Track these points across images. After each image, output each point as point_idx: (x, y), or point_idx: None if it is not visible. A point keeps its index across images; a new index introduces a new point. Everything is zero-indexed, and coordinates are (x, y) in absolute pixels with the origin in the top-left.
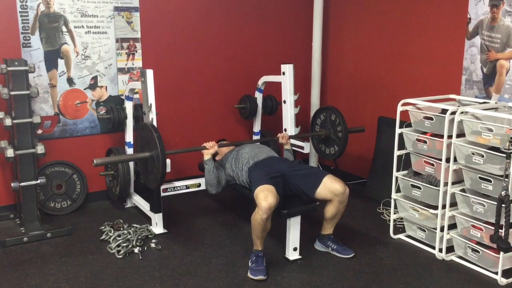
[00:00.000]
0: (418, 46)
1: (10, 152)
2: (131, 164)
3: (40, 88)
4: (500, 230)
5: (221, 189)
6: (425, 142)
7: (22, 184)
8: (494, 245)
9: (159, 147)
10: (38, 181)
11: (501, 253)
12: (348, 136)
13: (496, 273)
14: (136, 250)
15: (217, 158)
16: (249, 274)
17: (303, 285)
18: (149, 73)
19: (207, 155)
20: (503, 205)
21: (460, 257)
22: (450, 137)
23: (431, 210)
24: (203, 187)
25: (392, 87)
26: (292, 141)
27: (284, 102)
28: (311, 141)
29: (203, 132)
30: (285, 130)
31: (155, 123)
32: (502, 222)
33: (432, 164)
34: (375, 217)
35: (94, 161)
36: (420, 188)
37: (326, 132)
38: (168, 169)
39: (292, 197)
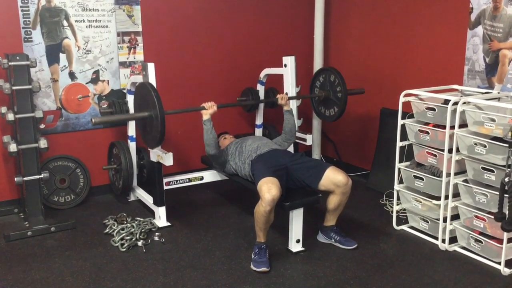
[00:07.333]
0: (420, 37)
1: (13, 147)
2: (134, 158)
3: (42, 83)
4: (503, 211)
5: (218, 152)
6: (427, 133)
7: (25, 178)
8: (497, 235)
9: (157, 106)
10: (42, 176)
11: (504, 244)
12: (347, 96)
13: (499, 263)
14: (139, 243)
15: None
16: (252, 266)
17: (306, 277)
18: (151, 66)
19: (205, 115)
20: (505, 188)
21: (463, 248)
22: (452, 127)
23: (434, 201)
24: (205, 180)
25: (394, 78)
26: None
27: (286, 94)
28: (311, 104)
29: None
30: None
31: None
32: (505, 210)
33: (435, 155)
34: (378, 208)
35: (92, 120)
36: (422, 179)
37: (326, 93)
38: (170, 163)
39: (295, 189)
